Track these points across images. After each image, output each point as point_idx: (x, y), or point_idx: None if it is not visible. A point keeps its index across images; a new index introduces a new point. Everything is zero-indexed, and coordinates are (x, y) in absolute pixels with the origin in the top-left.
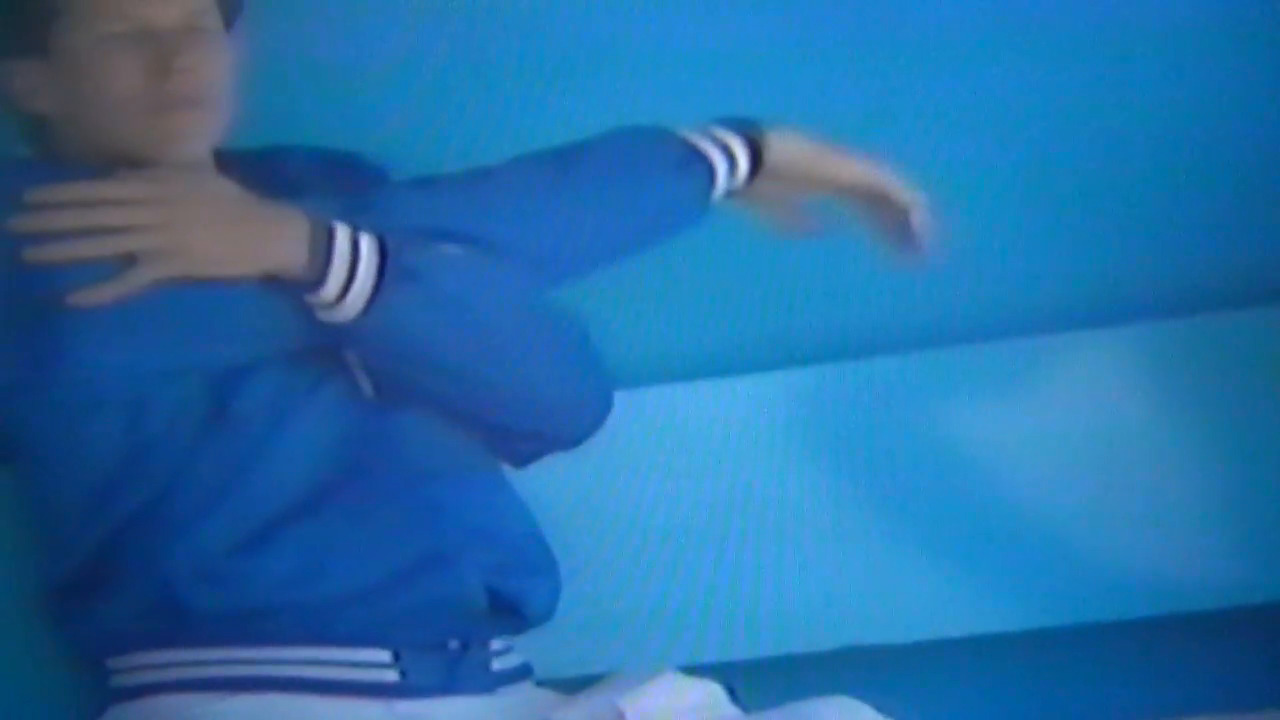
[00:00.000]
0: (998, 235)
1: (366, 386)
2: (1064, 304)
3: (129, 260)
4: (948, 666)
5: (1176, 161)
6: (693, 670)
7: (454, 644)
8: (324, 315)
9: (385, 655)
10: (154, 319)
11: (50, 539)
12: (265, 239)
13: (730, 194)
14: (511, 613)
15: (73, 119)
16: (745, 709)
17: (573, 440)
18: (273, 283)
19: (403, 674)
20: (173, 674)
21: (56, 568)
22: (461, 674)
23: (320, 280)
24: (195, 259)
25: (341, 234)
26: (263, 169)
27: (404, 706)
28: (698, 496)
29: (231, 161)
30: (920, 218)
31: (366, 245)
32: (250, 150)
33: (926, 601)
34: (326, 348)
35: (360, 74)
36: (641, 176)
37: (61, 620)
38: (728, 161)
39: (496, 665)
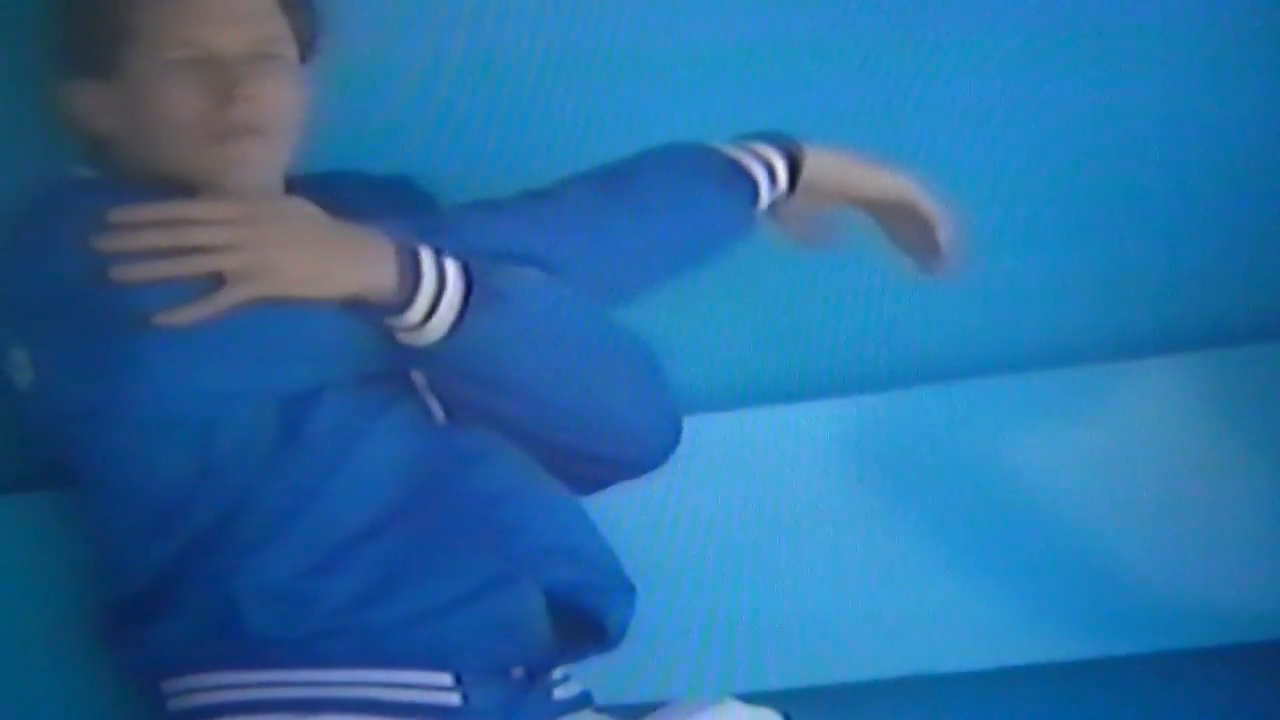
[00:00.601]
0: (1050, 263)
1: (437, 409)
2: (1116, 333)
3: (215, 280)
4: (1004, 695)
5: (1236, 189)
6: (751, 698)
7: (518, 672)
8: (405, 338)
9: (447, 679)
10: (232, 340)
11: (112, 560)
12: (353, 262)
13: (772, 208)
14: (593, 630)
15: (135, 141)
16: None
17: (643, 467)
18: (352, 305)
19: (465, 698)
20: (232, 696)
21: (117, 589)
22: (524, 701)
23: (407, 303)
24: (284, 280)
25: (427, 257)
26: (319, 194)
27: None
28: (755, 523)
29: (289, 186)
30: (947, 231)
31: (452, 269)
32: (304, 175)
33: (984, 630)
34: (397, 370)
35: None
36: (690, 195)
37: (120, 642)
38: (769, 177)
39: (558, 694)
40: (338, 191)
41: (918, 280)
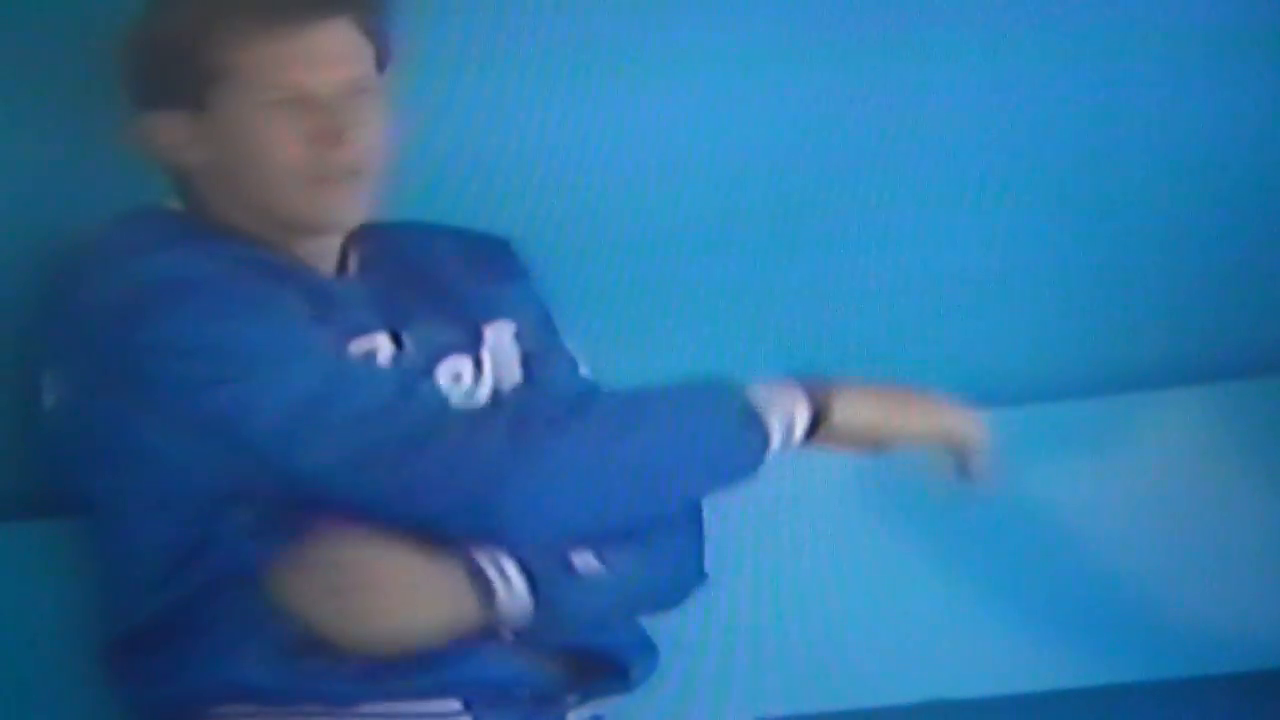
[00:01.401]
0: (1067, 295)
1: None
2: (1130, 365)
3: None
4: None
5: (1255, 223)
6: None
7: (524, 693)
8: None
9: (456, 704)
10: None
11: (122, 591)
12: (437, 606)
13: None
14: (616, 671)
15: (226, 178)
16: None
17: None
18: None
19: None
20: None
21: (125, 621)
22: None
23: (492, 616)
24: (377, 632)
25: (492, 572)
26: (408, 246)
27: None
28: (772, 549)
29: (376, 234)
30: (982, 460)
31: (513, 572)
32: (395, 224)
33: (999, 656)
34: None
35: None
36: (696, 438)
37: (124, 676)
38: (785, 431)
39: (572, 718)
40: (429, 246)
41: (946, 311)
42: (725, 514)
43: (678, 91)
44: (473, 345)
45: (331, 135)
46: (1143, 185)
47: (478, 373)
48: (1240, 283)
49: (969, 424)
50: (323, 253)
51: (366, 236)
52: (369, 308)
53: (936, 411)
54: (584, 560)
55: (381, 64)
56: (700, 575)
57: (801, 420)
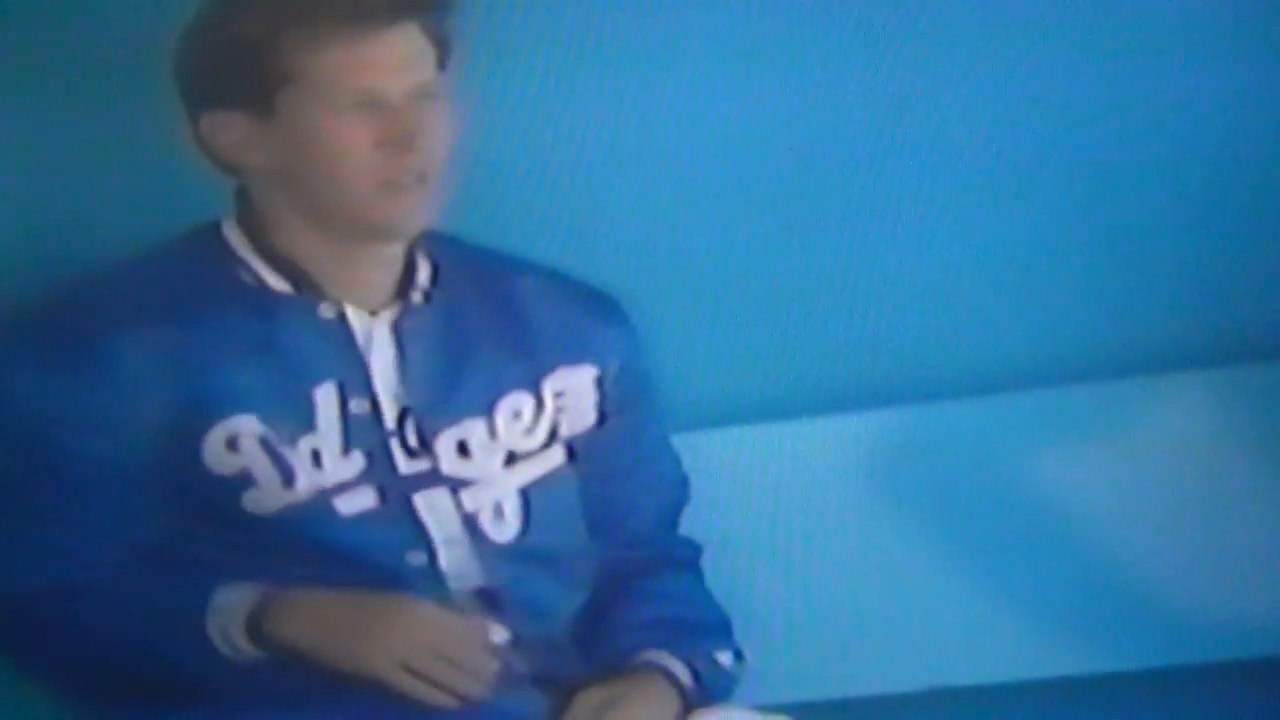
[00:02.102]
0: (1069, 279)
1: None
2: (1132, 349)
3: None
4: (1021, 708)
5: (1259, 207)
6: (767, 711)
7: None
8: None
9: None
10: None
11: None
12: None
13: None
14: None
15: (290, 180)
16: None
17: None
18: None
19: None
20: None
21: None
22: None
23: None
24: None
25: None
26: (494, 275)
27: None
28: (772, 537)
29: (462, 257)
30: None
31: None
32: (483, 251)
33: (1000, 644)
34: None
35: None
36: (148, 640)
37: None
38: (222, 638)
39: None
40: (513, 282)
41: (944, 295)
42: (728, 503)
43: (681, 88)
44: (535, 382)
45: (403, 140)
46: (1146, 170)
47: (539, 410)
48: (1244, 267)
49: (415, 652)
50: (372, 272)
51: (451, 255)
52: (379, 352)
53: (372, 647)
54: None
55: (443, 67)
56: None
57: (237, 631)
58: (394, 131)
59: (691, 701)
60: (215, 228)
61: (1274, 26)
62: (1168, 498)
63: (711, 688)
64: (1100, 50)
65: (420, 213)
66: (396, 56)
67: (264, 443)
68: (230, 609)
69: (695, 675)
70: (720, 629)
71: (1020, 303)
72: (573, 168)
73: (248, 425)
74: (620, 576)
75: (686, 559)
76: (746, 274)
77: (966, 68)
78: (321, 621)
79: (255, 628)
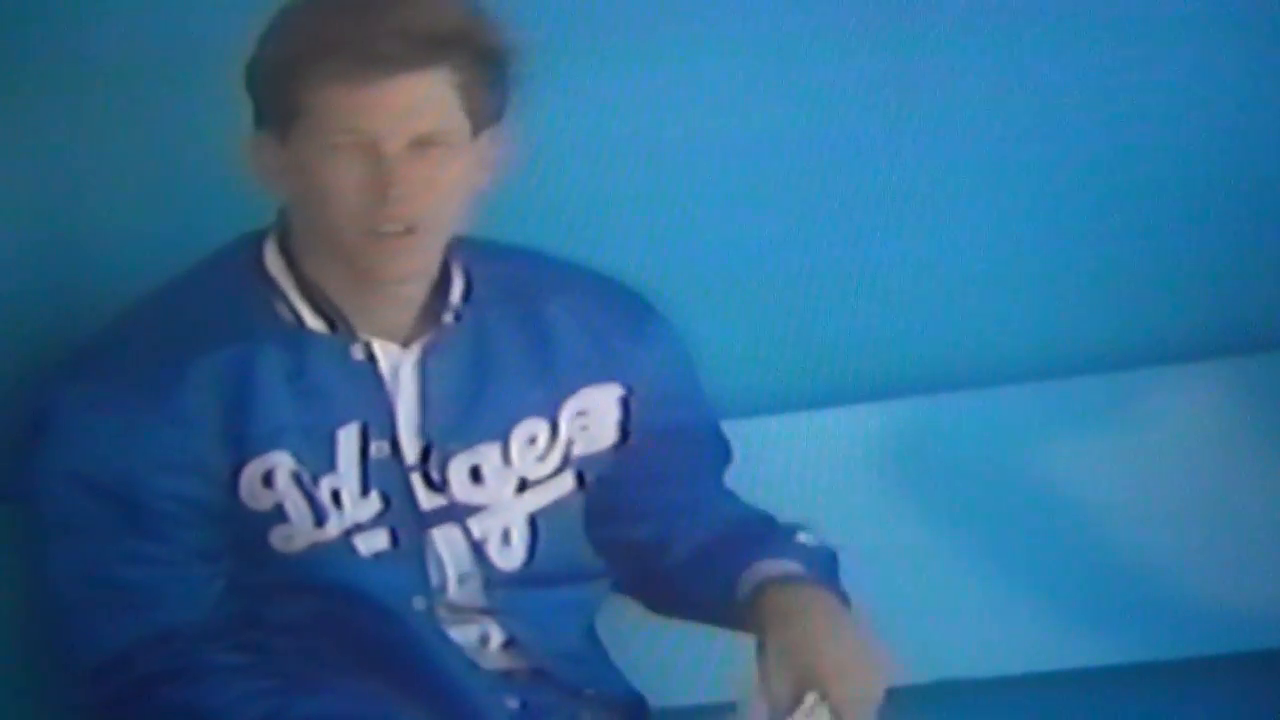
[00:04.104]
0: (1080, 270)
1: None
2: (1144, 339)
3: None
4: (1033, 700)
5: (1266, 197)
6: None
7: (513, 704)
8: None
9: None
10: None
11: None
12: None
13: None
14: None
15: (302, 209)
16: None
17: None
18: None
19: None
20: None
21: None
22: None
23: None
24: None
25: None
26: (522, 295)
27: None
28: None
29: (496, 269)
30: None
31: None
32: (518, 259)
33: (1016, 636)
34: None
35: None
36: None
37: None
38: None
39: None
40: (548, 301)
41: (959, 286)
42: (740, 495)
43: (697, 86)
44: (552, 408)
45: (381, 190)
46: (1153, 162)
47: (553, 437)
48: (1252, 258)
49: None
50: (398, 300)
51: (485, 268)
52: (403, 392)
53: None
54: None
55: (478, 118)
56: None
57: None
58: (373, 180)
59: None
60: (258, 247)
61: (1277, 20)
62: (1178, 489)
63: (822, 564)
64: (1106, 44)
65: (403, 263)
66: (398, 104)
67: (297, 479)
68: None
69: (806, 563)
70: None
71: (1031, 295)
72: (588, 162)
73: (283, 460)
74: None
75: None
76: (758, 269)
77: (977, 65)
78: None
79: None
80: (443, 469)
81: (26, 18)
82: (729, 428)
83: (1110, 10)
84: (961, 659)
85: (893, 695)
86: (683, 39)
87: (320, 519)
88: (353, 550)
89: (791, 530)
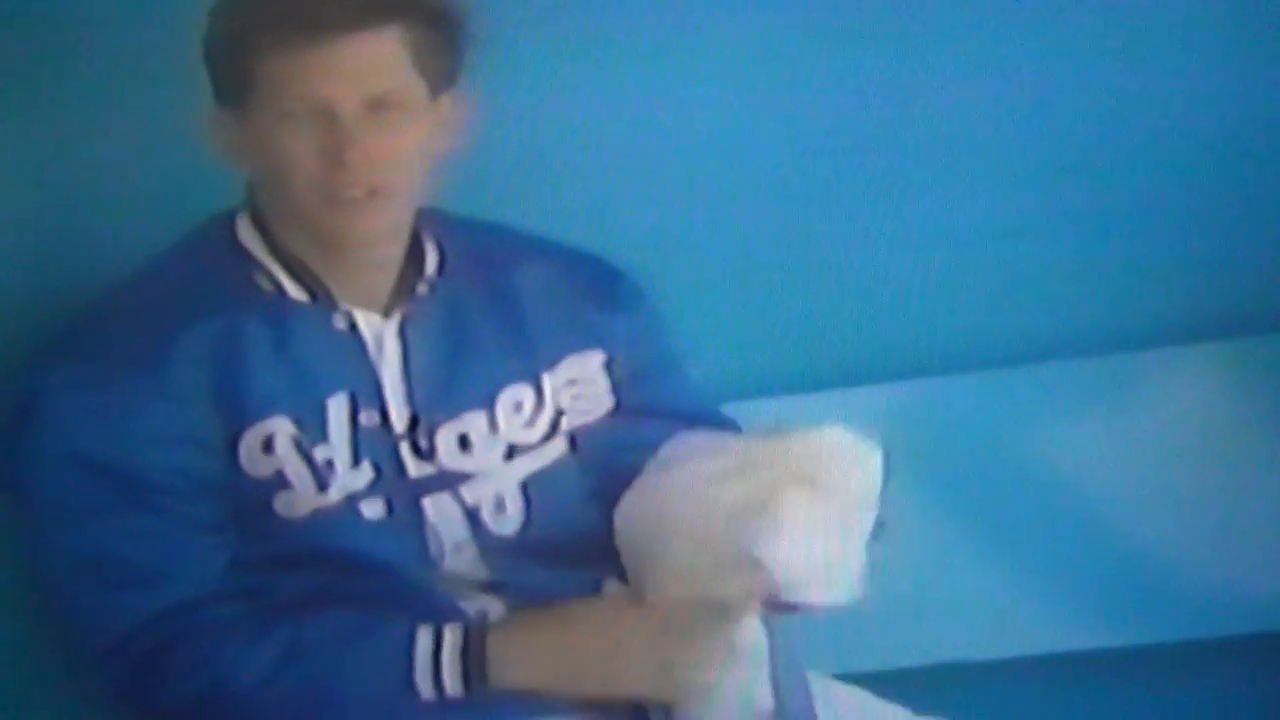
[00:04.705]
0: (1077, 253)
1: None
2: (1141, 322)
3: None
4: (1031, 683)
5: (1260, 180)
6: None
7: None
8: None
9: None
10: None
11: None
12: None
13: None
14: None
15: (264, 183)
16: None
17: None
18: None
19: None
20: None
21: None
22: None
23: None
24: None
25: None
26: (499, 260)
27: None
28: None
29: (468, 241)
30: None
31: None
32: (489, 231)
33: (1016, 619)
34: None
35: None
36: (353, 678)
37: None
38: (434, 689)
39: None
40: (533, 268)
41: (954, 268)
42: None
43: (693, 80)
44: (534, 373)
45: (337, 154)
46: (1148, 142)
47: (539, 403)
48: (1246, 242)
49: (654, 681)
50: (371, 268)
51: (457, 241)
52: (393, 354)
53: (613, 678)
54: None
55: (434, 80)
56: None
57: (453, 681)
58: (330, 144)
59: None
60: (230, 224)
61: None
62: (1173, 471)
63: None
64: (1095, 33)
65: (370, 226)
66: (347, 66)
67: (298, 445)
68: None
69: None
70: None
71: (1027, 278)
72: (586, 153)
73: (282, 426)
74: None
75: None
76: (756, 255)
77: (969, 55)
78: (557, 661)
79: (469, 670)
80: (430, 438)
81: (25, 16)
82: (727, 411)
83: (1096, 6)
84: (958, 643)
85: (888, 679)
86: (677, 26)
87: (322, 484)
88: (357, 515)
89: None
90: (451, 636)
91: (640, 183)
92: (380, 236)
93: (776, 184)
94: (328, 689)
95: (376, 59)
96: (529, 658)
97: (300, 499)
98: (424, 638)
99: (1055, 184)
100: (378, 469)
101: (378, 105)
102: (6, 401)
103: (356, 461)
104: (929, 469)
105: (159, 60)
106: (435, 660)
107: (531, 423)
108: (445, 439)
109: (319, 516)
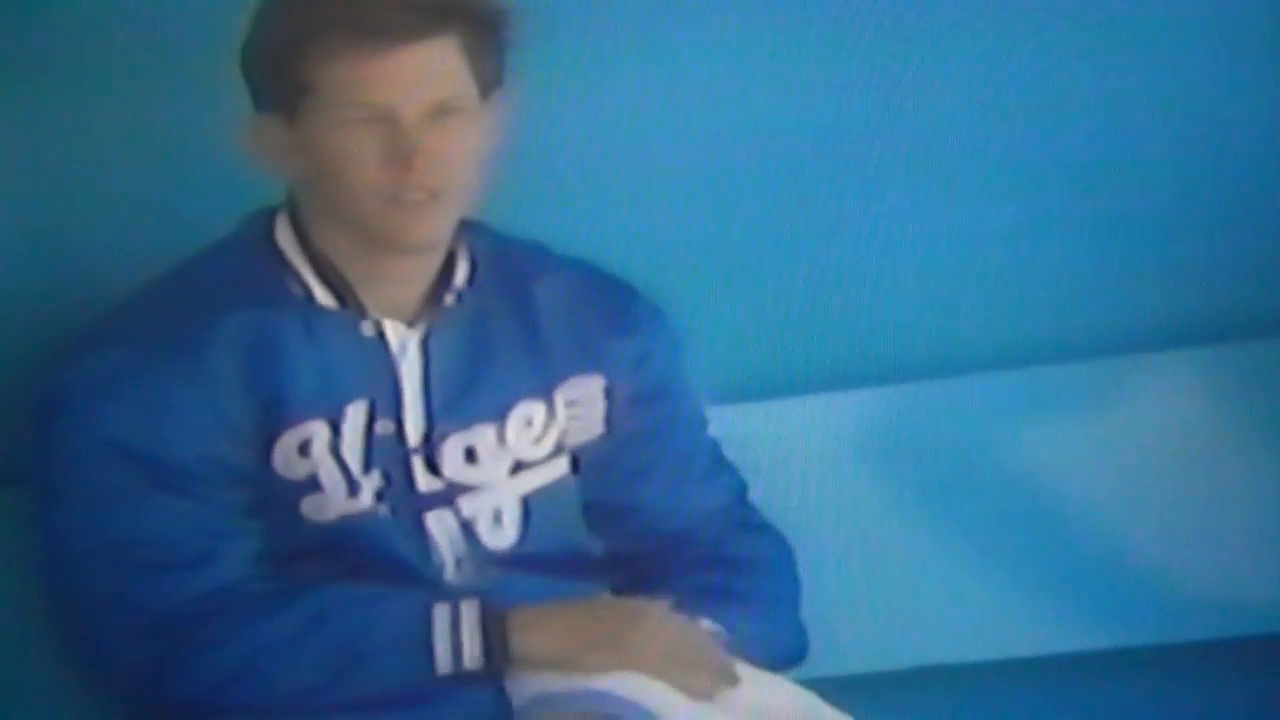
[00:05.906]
0: (1062, 258)
1: None
2: (1126, 327)
3: None
4: (1017, 685)
5: (1245, 186)
6: None
7: None
8: None
9: None
10: None
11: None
12: None
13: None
14: None
15: (315, 187)
16: None
17: None
18: None
19: None
20: None
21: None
22: None
23: None
24: None
25: None
26: (526, 275)
27: None
28: (774, 514)
29: (497, 253)
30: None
31: None
32: (517, 245)
33: (996, 621)
34: None
35: None
36: (368, 649)
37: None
38: (453, 661)
39: None
40: (555, 285)
41: (938, 273)
42: None
43: (684, 85)
44: (548, 391)
45: (404, 158)
46: (1136, 152)
47: (549, 419)
48: (1236, 245)
49: (665, 657)
50: (407, 275)
51: (488, 254)
52: (421, 366)
53: (627, 652)
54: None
55: (485, 83)
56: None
57: (472, 655)
58: (396, 149)
59: None
60: (269, 222)
61: (1260, 13)
62: (1158, 475)
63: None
64: (1089, 37)
65: (430, 228)
66: (410, 73)
67: (334, 450)
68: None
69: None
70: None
71: (1013, 282)
72: (582, 155)
73: (320, 430)
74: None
75: (740, 557)
76: (741, 256)
77: (961, 56)
78: (573, 634)
79: (490, 640)
80: (439, 450)
81: (25, 16)
82: (711, 414)
83: (1091, 9)
84: (942, 645)
85: (874, 681)
86: (675, 26)
87: (354, 489)
88: (382, 522)
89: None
90: (469, 609)
91: (634, 185)
92: (436, 240)
93: (771, 187)
94: (354, 651)
95: (438, 65)
96: (548, 628)
97: (330, 503)
98: (441, 610)
99: (1042, 191)
100: (387, 478)
101: (439, 110)
102: (16, 395)
103: (367, 468)
104: (918, 472)
105: (159, 60)
106: (454, 631)
107: (540, 439)
108: (452, 450)
109: (344, 522)
